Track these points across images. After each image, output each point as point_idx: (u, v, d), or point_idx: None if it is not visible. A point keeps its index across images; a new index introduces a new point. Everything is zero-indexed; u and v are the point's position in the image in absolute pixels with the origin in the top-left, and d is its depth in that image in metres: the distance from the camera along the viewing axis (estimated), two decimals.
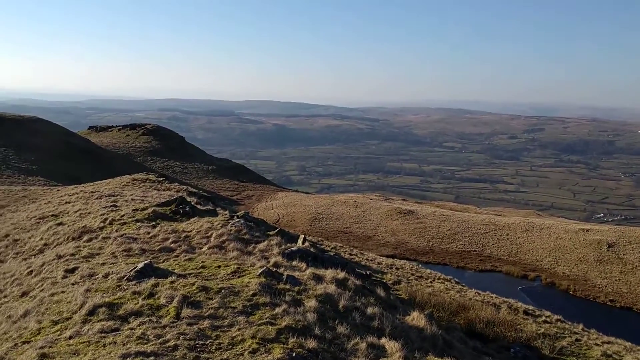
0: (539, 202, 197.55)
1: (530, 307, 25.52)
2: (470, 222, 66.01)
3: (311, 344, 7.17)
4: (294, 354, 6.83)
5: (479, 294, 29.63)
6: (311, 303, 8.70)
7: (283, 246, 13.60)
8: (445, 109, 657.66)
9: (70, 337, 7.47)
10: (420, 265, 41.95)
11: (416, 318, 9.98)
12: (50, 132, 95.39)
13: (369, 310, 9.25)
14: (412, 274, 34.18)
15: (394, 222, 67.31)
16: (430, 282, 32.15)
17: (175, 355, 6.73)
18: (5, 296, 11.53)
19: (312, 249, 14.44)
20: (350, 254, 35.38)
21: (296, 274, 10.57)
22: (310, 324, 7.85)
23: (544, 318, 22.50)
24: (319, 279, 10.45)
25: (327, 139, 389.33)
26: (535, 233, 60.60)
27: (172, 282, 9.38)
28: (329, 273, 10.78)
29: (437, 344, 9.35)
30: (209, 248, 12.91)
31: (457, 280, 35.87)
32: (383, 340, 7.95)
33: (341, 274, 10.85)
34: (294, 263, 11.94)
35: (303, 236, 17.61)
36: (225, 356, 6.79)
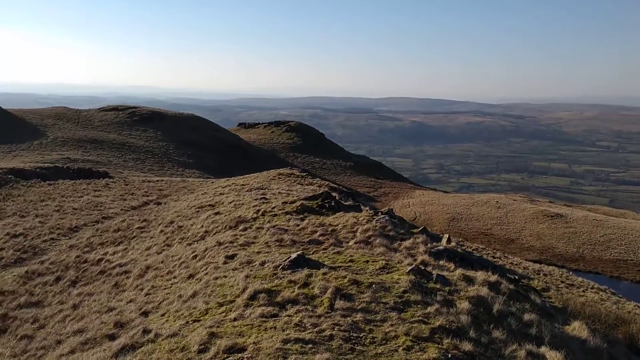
0: None
1: None
2: (628, 229, 60.07)
3: (466, 346, 6.99)
4: (449, 355, 6.70)
5: (638, 307, 27.11)
6: (463, 305, 8.49)
7: (429, 245, 13.43)
8: (600, 105, 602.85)
9: (235, 319, 8.03)
10: (570, 273, 39.20)
11: (577, 328, 9.30)
12: (204, 128, 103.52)
13: (526, 316, 8.80)
14: (562, 282, 32.11)
15: (539, 225, 63.39)
16: (583, 291, 29.99)
17: (332, 345, 6.94)
18: (174, 277, 12.73)
19: (459, 249, 14.09)
20: (493, 257, 34.00)
21: (445, 273, 10.37)
22: (465, 326, 7.65)
23: None
24: (469, 280, 10.16)
25: (467, 137, 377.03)
26: None
27: (324, 273, 9.69)
28: (479, 275, 10.44)
29: (602, 359, 8.64)
30: (355, 243, 13.13)
31: (612, 290, 33.12)
32: (543, 349, 7.51)
33: (493, 277, 10.44)
34: (441, 262, 11.73)
35: (447, 236, 17.24)
36: (380, 350, 6.86)
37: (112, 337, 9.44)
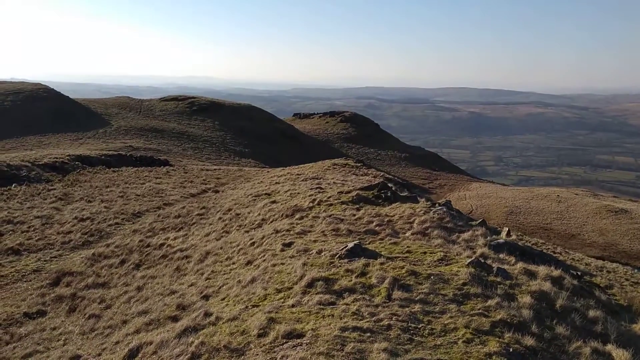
0: None
1: None
2: None
3: (529, 341, 6.84)
4: (510, 349, 6.57)
5: None
6: (525, 299, 8.29)
7: (488, 237, 13.14)
8: None
9: (293, 306, 8.15)
10: (635, 270, 37.48)
11: None
12: (260, 118, 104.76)
13: (590, 313, 8.50)
14: (627, 279, 30.74)
15: (602, 220, 60.82)
16: None
17: (390, 335, 6.93)
18: (233, 263, 13.02)
19: (519, 243, 13.73)
20: (554, 252, 32.90)
21: (505, 267, 10.14)
22: (526, 320, 7.48)
23: None
24: (531, 274, 9.90)
25: (527, 128, 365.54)
26: None
27: (381, 263, 9.68)
28: (541, 269, 10.15)
29: None
30: (412, 234, 13.00)
31: None
32: (609, 347, 7.25)
33: (555, 272, 10.13)
34: (501, 256, 11.46)
35: (507, 229, 16.84)
36: (439, 342, 6.80)
37: (174, 319, 9.76)
